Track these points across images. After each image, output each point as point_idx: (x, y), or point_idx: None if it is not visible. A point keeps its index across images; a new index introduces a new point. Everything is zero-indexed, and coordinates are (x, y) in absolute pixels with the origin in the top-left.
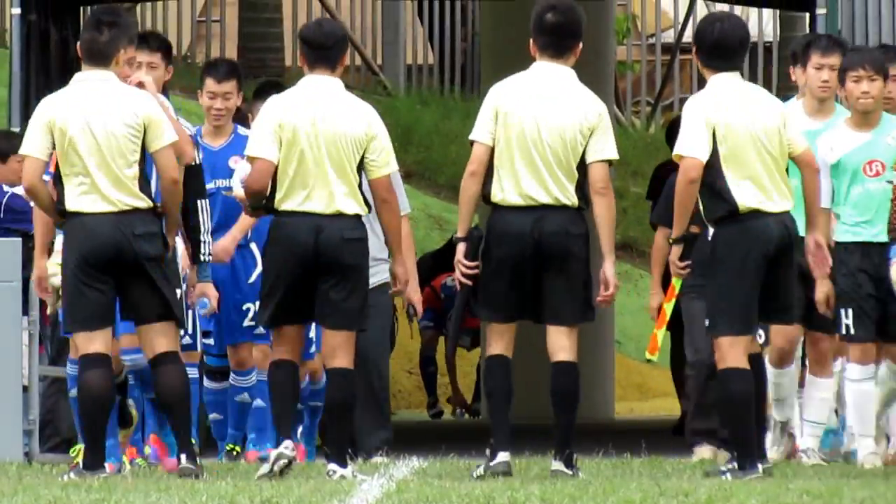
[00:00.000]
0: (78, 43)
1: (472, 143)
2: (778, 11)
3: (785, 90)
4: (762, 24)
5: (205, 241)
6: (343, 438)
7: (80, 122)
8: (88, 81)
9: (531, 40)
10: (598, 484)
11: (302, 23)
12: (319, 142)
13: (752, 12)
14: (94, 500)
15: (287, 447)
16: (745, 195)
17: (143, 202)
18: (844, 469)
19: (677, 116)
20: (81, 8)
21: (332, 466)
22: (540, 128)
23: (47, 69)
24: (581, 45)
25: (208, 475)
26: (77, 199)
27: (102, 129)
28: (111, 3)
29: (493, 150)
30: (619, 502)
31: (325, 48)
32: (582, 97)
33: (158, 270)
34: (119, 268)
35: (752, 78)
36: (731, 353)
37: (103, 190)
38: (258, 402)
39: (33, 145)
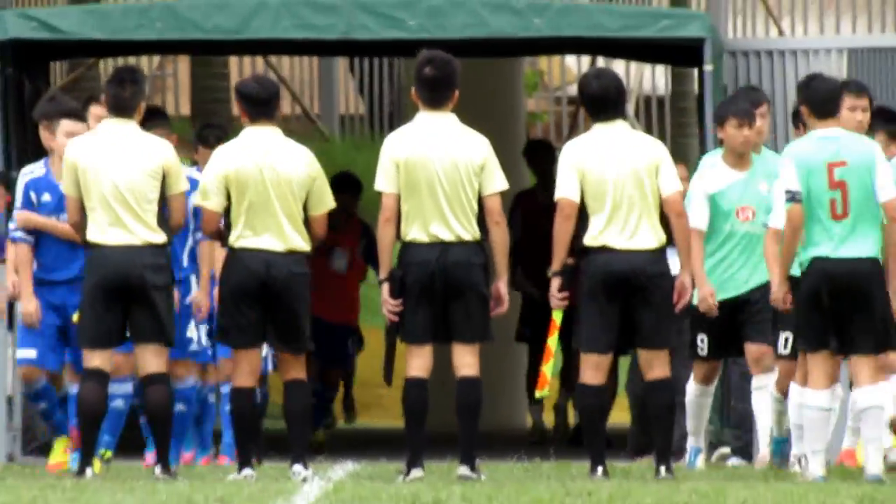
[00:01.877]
0: (102, 96)
1: (380, 193)
2: (670, 67)
3: (679, 137)
4: (655, 79)
5: None
6: (304, 443)
7: (105, 164)
8: (114, 130)
9: (413, 90)
10: (512, 485)
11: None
12: (268, 186)
13: (647, 67)
14: (69, 498)
15: (248, 475)
16: (596, 232)
17: (159, 237)
18: (732, 472)
19: (533, 141)
20: (50, 63)
21: (297, 468)
22: (438, 172)
23: (23, 116)
24: (457, 92)
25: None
26: (98, 232)
27: (126, 171)
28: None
29: (398, 196)
30: (530, 501)
31: (264, 102)
32: (467, 139)
33: (160, 298)
34: (129, 294)
35: (647, 128)
36: (587, 369)
37: (122, 225)
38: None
39: (67, 186)
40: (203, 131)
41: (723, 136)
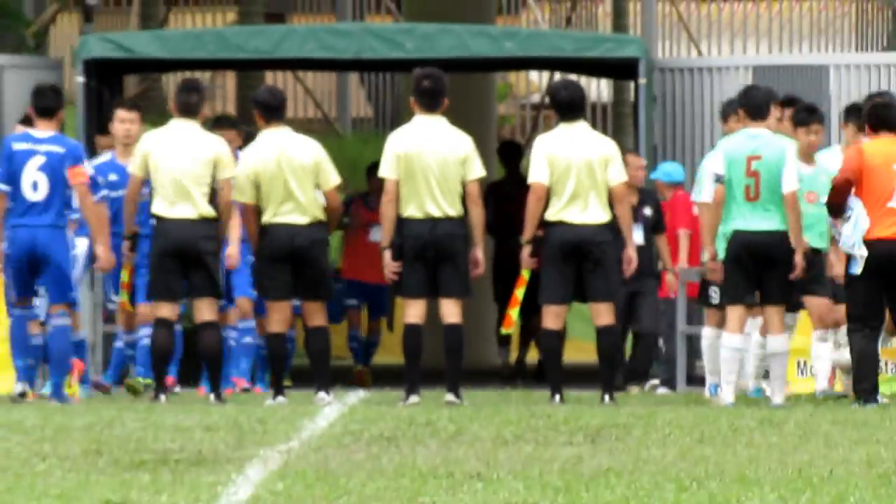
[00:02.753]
0: (172, 101)
1: (382, 179)
2: (612, 81)
3: (618, 136)
4: (600, 90)
5: None
6: (325, 376)
7: (171, 154)
8: (180, 127)
9: (412, 98)
10: (488, 409)
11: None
12: (286, 173)
13: (594, 80)
14: (142, 418)
15: (282, 401)
16: (558, 208)
17: (211, 213)
18: (661, 399)
19: (505, 141)
20: (124, 76)
21: (321, 395)
22: (430, 163)
23: (101, 120)
24: (447, 100)
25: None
26: (163, 207)
27: (186, 160)
28: (149, 75)
29: (398, 181)
30: (502, 421)
31: (275, 108)
32: (453, 136)
33: (212, 260)
34: (188, 258)
35: (592, 129)
36: (548, 317)
37: (182, 202)
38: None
39: (135, 167)
40: (219, 119)
41: (726, 130)
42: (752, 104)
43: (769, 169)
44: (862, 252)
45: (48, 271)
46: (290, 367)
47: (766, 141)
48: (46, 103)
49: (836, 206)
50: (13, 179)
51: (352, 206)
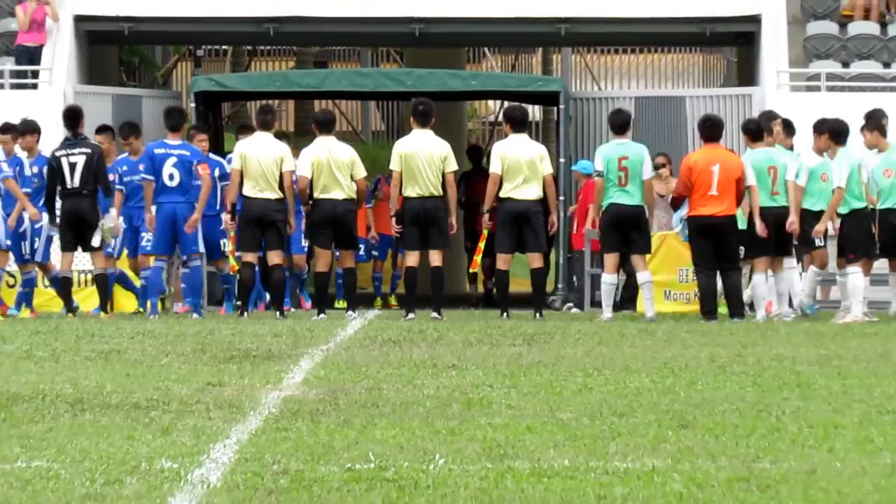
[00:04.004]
0: (255, 120)
1: (391, 171)
2: (542, 106)
3: (545, 145)
4: (533, 112)
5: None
6: (353, 300)
7: (255, 154)
8: (261, 137)
9: (411, 118)
10: (460, 322)
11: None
12: (332, 165)
13: (530, 105)
14: (232, 326)
15: (323, 317)
16: (508, 189)
17: (279, 195)
18: (573, 316)
19: (471, 146)
20: (222, 103)
21: (349, 313)
22: (422, 160)
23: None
24: (434, 119)
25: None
26: (251, 190)
27: (264, 158)
28: (238, 102)
29: (401, 172)
30: (469, 330)
31: (326, 123)
32: (437, 142)
33: (282, 226)
34: (266, 223)
35: None
36: (500, 262)
37: (262, 187)
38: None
39: (235, 164)
40: (242, 127)
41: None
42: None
43: (633, 165)
44: (685, 233)
45: (182, 232)
46: (340, 296)
47: (630, 147)
48: (175, 121)
49: (678, 203)
50: (156, 172)
51: (379, 183)
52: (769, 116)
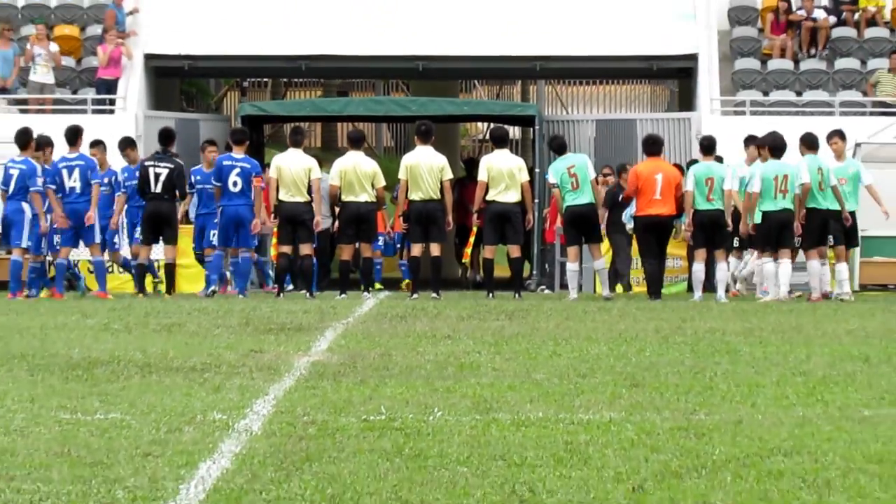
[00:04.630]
0: (288, 138)
1: (399, 179)
2: (520, 126)
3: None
4: (514, 131)
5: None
6: (370, 284)
7: (288, 166)
8: (293, 153)
9: (415, 136)
10: (454, 301)
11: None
12: (358, 174)
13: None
14: (271, 304)
15: (344, 297)
16: (493, 194)
17: (307, 198)
18: (546, 297)
19: (469, 158)
20: (264, 124)
21: (365, 294)
22: (424, 170)
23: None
24: (434, 137)
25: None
26: (284, 195)
27: (295, 169)
28: (276, 124)
29: (407, 181)
30: (463, 307)
31: (356, 140)
32: (436, 156)
33: (310, 224)
34: (297, 222)
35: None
36: (487, 251)
37: (293, 193)
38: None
39: (272, 174)
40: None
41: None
42: (553, 145)
43: (580, 170)
44: (631, 225)
45: (240, 230)
46: (379, 278)
47: (574, 157)
48: (239, 137)
49: (628, 202)
50: (223, 180)
51: (398, 188)
52: (710, 139)
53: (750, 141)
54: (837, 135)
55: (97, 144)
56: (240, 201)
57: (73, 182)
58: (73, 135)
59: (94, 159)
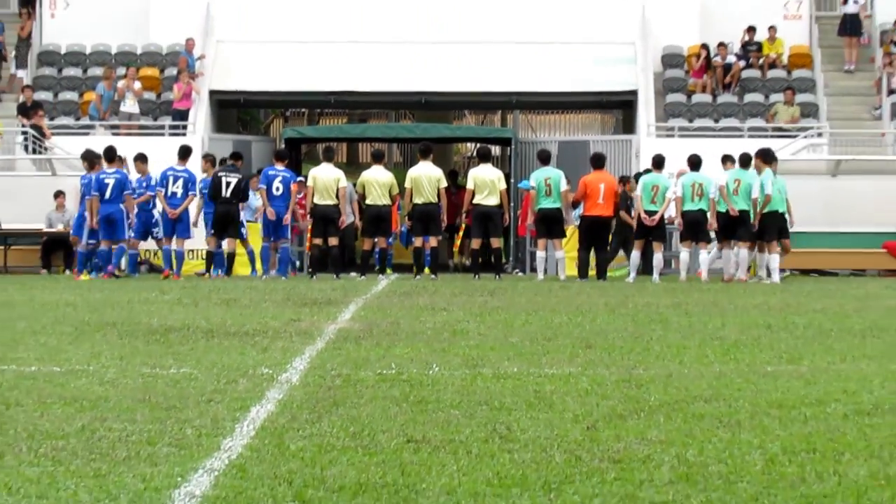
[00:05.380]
0: (321, 155)
1: (403, 188)
2: (499, 146)
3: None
4: (494, 149)
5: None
6: (384, 269)
7: (322, 176)
8: (325, 166)
9: (418, 154)
10: (448, 282)
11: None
12: (378, 183)
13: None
14: (290, 285)
15: (354, 276)
16: (478, 199)
17: (336, 202)
18: (519, 278)
19: (449, 172)
20: (302, 144)
21: (380, 276)
22: (425, 180)
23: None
24: (433, 154)
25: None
26: (319, 199)
27: (327, 178)
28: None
29: (412, 189)
30: (453, 287)
31: (378, 157)
32: (435, 169)
33: (338, 221)
34: (328, 220)
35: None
36: (475, 244)
37: (325, 197)
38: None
39: (310, 182)
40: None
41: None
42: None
43: (554, 182)
44: (577, 223)
45: (278, 226)
46: (390, 264)
47: (551, 171)
48: (281, 153)
49: (576, 205)
50: (268, 186)
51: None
52: (660, 156)
53: (727, 159)
54: (762, 155)
55: (140, 158)
56: (280, 204)
57: (175, 188)
58: (185, 152)
59: (193, 173)
